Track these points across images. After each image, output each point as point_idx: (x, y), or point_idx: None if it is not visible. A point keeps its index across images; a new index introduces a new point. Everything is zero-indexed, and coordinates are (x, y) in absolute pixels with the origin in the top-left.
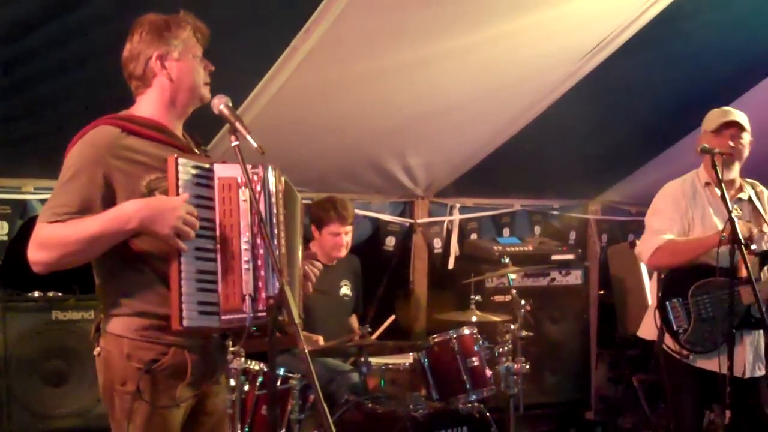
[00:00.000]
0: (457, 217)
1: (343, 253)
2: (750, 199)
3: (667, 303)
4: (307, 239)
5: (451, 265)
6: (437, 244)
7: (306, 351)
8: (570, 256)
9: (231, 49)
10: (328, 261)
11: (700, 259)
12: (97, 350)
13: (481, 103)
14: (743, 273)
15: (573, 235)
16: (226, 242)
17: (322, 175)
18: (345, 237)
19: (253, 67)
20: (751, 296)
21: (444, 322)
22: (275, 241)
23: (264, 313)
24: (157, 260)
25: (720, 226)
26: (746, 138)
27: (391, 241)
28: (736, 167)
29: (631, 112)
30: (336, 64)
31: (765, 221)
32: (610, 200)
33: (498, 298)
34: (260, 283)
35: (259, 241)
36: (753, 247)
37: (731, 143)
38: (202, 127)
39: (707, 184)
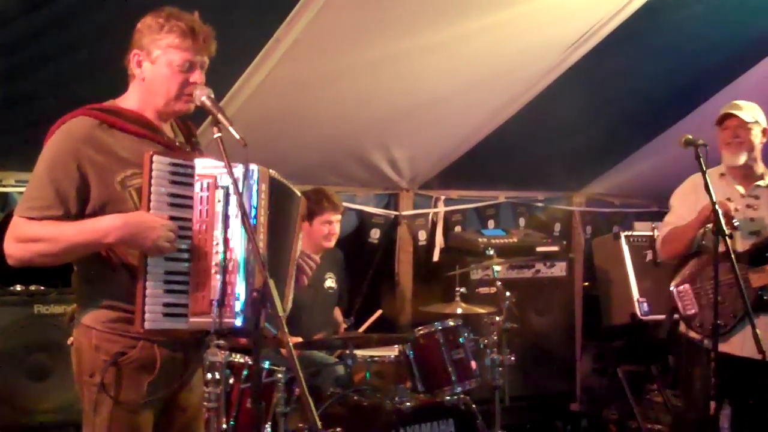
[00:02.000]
0: (442, 209)
1: (333, 242)
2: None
3: (675, 290)
4: None
5: (436, 257)
6: (422, 236)
7: (290, 344)
8: (554, 248)
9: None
10: (314, 252)
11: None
12: (70, 340)
13: (464, 95)
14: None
15: (558, 227)
16: (200, 243)
17: (306, 167)
18: (337, 226)
19: (235, 60)
20: (761, 279)
21: (429, 314)
22: (250, 245)
23: (230, 320)
24: (129, 256)
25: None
26: (755, 128)
27: (375, 234)
28: (743, 156)
29: (615, 104)
30: (319, 57)
31: None
32: (594, 192)
33: (483, 290)
34: (229, 289)
35: (231, 245)
36: (735, 222)
37: (734, 134)
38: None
39: (722, 174)
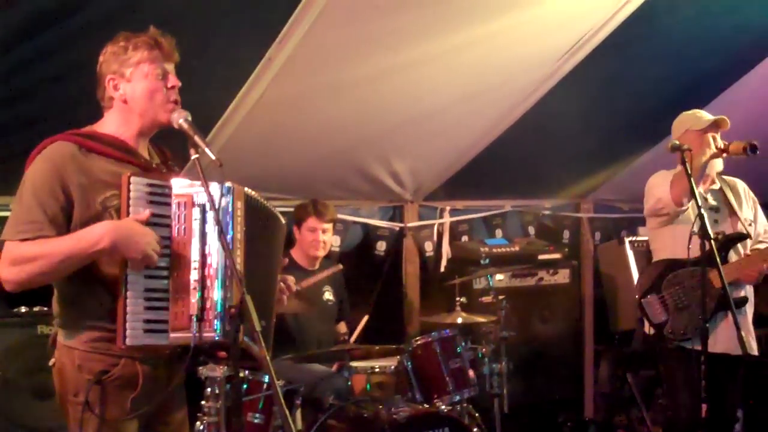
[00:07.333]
0: (447, 219)
1: (321, 252)
2: (721, 189)
3: (643, 301)
4: (291, 244)
5: (443, 268)
6: (428, 247)
7: (268, 359)
8: (556, 256)
9: (205, 63)
10: (308, 264)
11: (675, 254)
12: (52, 361)
13: (461, 106)
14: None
15: (567, 234)
16: (178, 260)
17: (309, 182)
18: (322, 235)
19: (229, 81)
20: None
21: (433, 324)
22: (227, 260)
23: (209, 334)
24: (108, 277)
25: None
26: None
27: (382, 246)
28: (721, 162)
29: (615, 109)
30: (313, 73)
31: (735, 210)
32: (602, 198)
33: (485, 299)
34: (207, 304)
35: (209, 261)
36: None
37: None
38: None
39: None
